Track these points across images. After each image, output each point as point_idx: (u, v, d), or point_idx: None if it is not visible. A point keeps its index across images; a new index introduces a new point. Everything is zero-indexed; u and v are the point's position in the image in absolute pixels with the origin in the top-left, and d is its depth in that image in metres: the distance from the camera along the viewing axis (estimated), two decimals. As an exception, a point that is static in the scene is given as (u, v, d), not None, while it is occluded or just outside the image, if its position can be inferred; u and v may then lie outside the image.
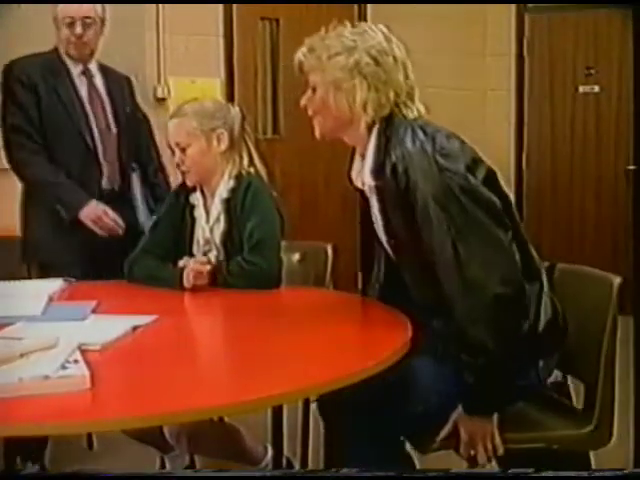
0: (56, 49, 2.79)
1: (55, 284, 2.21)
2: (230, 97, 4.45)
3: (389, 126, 1.69)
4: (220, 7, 4.50)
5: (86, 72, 2.81)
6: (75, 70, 2.79)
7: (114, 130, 2.82)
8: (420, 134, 1.65)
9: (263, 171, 2.36)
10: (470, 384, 1.63)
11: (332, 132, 1.79)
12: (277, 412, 2.29)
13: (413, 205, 1.63)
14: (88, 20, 2.72)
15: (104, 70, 2.88)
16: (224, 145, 2.30)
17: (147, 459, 2.51)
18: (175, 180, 2.59)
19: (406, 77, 1.73)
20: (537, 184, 5.33)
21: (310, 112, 1.78)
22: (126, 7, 4.17)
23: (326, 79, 1.71)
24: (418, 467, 1.80)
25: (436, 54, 4.74)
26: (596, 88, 5.11)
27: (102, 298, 2.02)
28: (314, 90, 1.75)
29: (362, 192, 1.80)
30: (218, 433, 2.23)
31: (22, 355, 1.41)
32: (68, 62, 2.78)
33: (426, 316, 1.71)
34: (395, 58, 1.71)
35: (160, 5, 4.30)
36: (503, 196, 1.70)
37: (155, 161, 2.99)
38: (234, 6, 4.54)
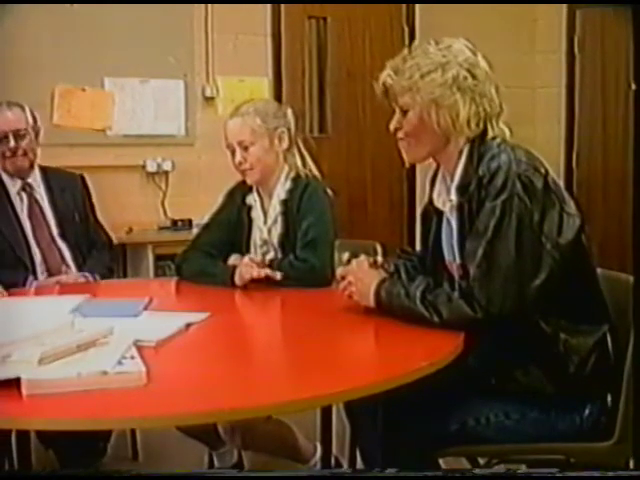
0: None
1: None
2: (278, 96, 4.47)
3: (482, 144, 1.67)
4: (268, 6, 4.53)
5: (26, 187, 2.66)
6: (13, 188, 2.64)
7: (59, 242, 2.65)
8: (510, 154, 1.62)
9: (316, 171, 2.36)
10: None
11: (428, 153, 1.74)
12: (326, 411, 2.29)
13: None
14: (21, 132, 2.60)
15: (48, 179, 2.72)
16: (285, 145, 2.31)
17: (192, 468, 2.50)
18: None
19: (497, 90, 1.70)
20: (587, 184, 5.20)
21: (401, 135, 1.73)
22: (175, 7, 4.23)
23: (423, 98, 1.66)
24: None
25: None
26: (650, 85, 4.99)
27: (153, 295, 2.04)
28: (405, 112, 1.70)
29: (439, 215, 1.77)
30: (271, 430, 2.24)
31: (78, 347, 1.42)
32: (5, 180, 2.64)
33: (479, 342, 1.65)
34: (485, 70, 1.69)
35: (209, 5, 4.34)
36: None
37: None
38: (282, 5, 4.57)
